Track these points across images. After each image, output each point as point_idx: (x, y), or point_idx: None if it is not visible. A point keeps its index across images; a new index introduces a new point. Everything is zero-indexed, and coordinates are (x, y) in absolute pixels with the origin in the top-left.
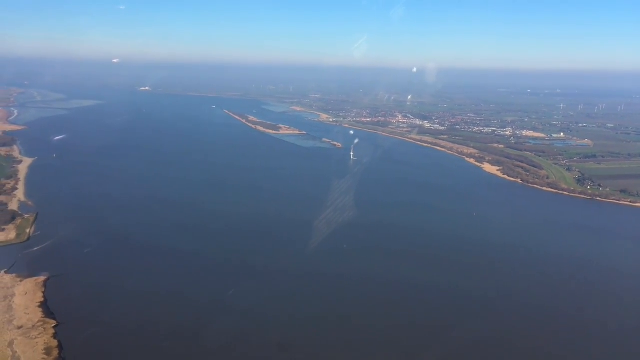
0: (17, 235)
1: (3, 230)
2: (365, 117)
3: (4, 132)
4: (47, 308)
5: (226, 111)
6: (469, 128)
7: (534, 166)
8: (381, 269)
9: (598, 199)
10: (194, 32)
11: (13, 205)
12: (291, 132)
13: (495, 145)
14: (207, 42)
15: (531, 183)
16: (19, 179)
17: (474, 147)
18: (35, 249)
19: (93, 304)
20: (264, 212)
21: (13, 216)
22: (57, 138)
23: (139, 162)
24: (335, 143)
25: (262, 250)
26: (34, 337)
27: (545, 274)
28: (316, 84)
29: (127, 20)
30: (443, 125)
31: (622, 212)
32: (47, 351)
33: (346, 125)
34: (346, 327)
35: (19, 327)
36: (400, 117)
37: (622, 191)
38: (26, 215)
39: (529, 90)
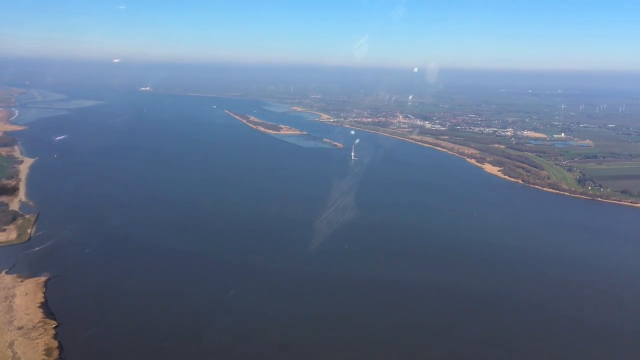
0: (18, 236)
1: (4, 230)
2: (366, 117)
3: (5, 132)
4: (47, 308)
5: (227, 111)
6: (470, 128)
7: (534, 167)
8: (382, 269)
9: (599, 199)
10: (194, 32)
11: (14, 206)
12: (292, 132)
13: (496, 145)
14: (207, 42)
15: (532, 183)
16: (20, 179)
17: (474, 148)
18: (36, 249)
19: (93, 305)
20: (264, 213)
21: (14, 216)
22: (58, 138)
23: (139, 162)
24: (336, 143)
25: (263, 250)
26: (34, 337)
27: (546, 275)
28: (317, 84)
29: (128, 21)
30: (444, 126)
31: (623, 212)
32: (48, 352)
33: (347, 126)
34: (346, 327)
35: (20, 328)
36: (401, 117)
37: (623, 192)
38: (27, 216)
39: (529, 91)
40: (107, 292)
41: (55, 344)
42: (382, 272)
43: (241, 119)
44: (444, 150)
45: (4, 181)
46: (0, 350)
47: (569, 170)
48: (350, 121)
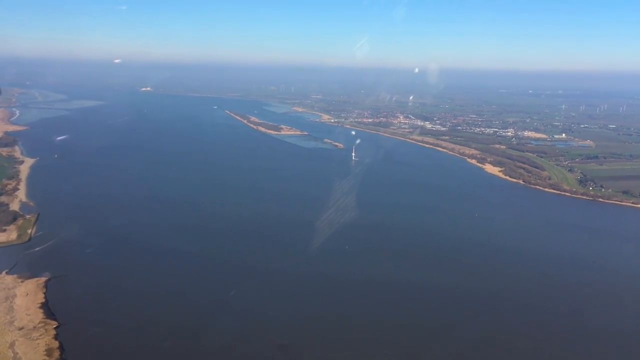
0: (19, 236)
1: (4, 230)
2: (366, 117)
3: (6, 133)
4: (48, 309)
5: (227, 112)
6: (471, 129)
7: (535, 167)
8: (383, 269)
9: (600, 200)
10: (195, 32)
11: (14, 206)
12: (293, 132)
13: (497, 146)
14: (208, 42)
15: (533, 184)
16: (21, 179)
17: (475, 148)
18: (37, 249)
19: (94, 305)
20: (265, 213)
21: (14, 217)
22: (58, 138)
23: (140, 163)
24: (336, 144)
25: (264, 250)
26: (35, 338)
27: (547, 275)
28: (318, 85)
29: (128, 21)
30: (444, 126)
31: (624, 213)
32: (48, 352)
33: (348, 126)
34: (347, 328)
35: (20, 328)
36: (401, 117)
37: (624, 192)
38: (27, 216)
39: (530, 91)
40: (107, 292)
41: (56, 344)
42: (383, 273)
43: (242, 119)
44: (445, 150)
45: (5, 181)
46: (1, 350)
47: (570, 170)
48: (351, 121)
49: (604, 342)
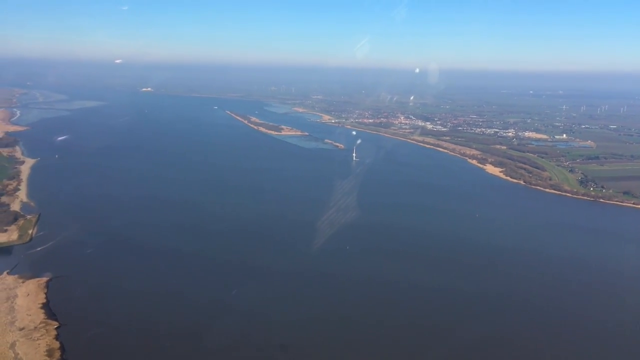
0: (20, 236)
1: (5, 231)
2: (367, 118)
3: (7, 133)
4: (49, 309)
5: (228, 112)
6: (471, 129)
7: (536, 167)
8: (383, 270)
9: (601, 200)
10: (196, 32)
11: (15, 206)
12: (293, 133)
13: (498, 146)
14: (209, 42)
15: (534, 184)
16: (22, 179)
17: (476, 149)
18: (38, 249)
19: (95, 305)
20: (266, 213)
21: (15, 217)
22: (59, 139)
23: (141, 163)
24: (337, 144)
25: (264, 251)
26: (36, 338)
27: (548, 276)
28: (318, 85)
29: (130, 21)
30: (445, 127)
31: (625, 213)
32: (49, 353)
33: (348, 127)
34: (348, 328)
35: (21, 329)
36: (402, 118)
37: (625, 193)
38: (28, 216)
39: (531, 92)
40: (108, 292)
41: (56, 344)
42: (384, 273)
43: (242, 120)
44: (446, 151)
45: (6, 181)
46: (2, 351)
47: (571, 171)
48: (352, 122)
49: (605, 342)
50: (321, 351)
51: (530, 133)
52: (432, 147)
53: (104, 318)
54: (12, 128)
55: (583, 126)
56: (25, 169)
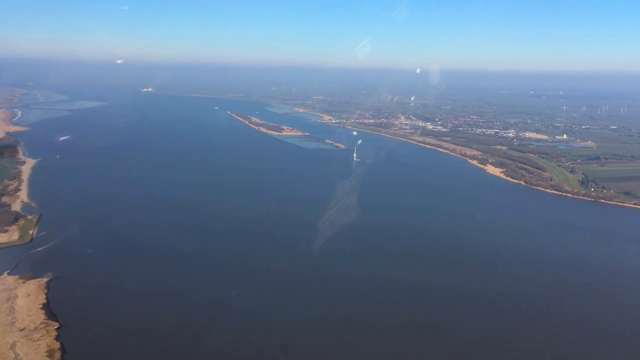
0: (20, 237)
1: (6, 231)
2: (368, 118)
3: (8, 133)
4: (49, 310)
5: (229, 112)
6: (472, 130)
7: (537, 168)
8: (384, 270)
9: (602, 201)
10: (196, 33)
11: (16, 206)
12: (294, 133)
13: (498, 147)
14: (209, 43)
15: (534, 185)
16: (22, 180)
17: (476, 149)
18: (38, 250)
19: (96, 306)
20: (266, 214)
21: (16, 217)
22: (60, 139)
23: (141, 163)
24: (338, 144)
25: (265, 251)
26: (36, 339)
27: (549, 276)
28: (319, 86)
29: (130, 21)
30: (446, 127)
31: (627, 214)
32: (50, 353)
33: (349, 127)
34: (348, 328)
35: (22, 329)
36: (403, 118)
37: (626, 193)
38: (29, 217)
39: (531, 92)
40: (109, 293)
41: (57, 345)
42: (384, 273)
43: (243, 120)
44: (446, 151)
45: (7, 182)
46: (2, 351)
47: (572, 171)
48: (352, 122)
49: (606, 343)
50: (321, 351)
51: (531, 133)
52: (432, 147)
53: (104, 318)
54: (13, 128)
55: (583, 126)
56: (26, 169)
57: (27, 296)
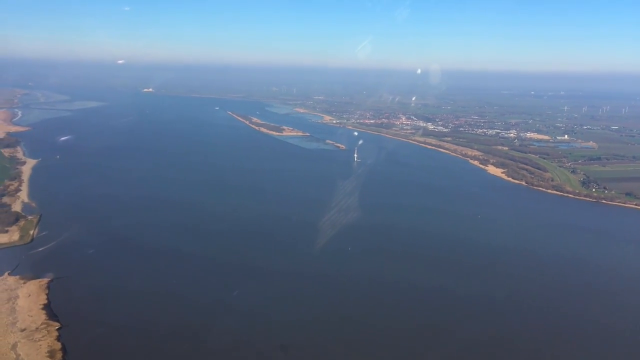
0: (21, 237)
1: (6, 231)
2: (368, 118)
3: (8, 133)
4: (50, 310)
5: (229, 112)
6: (473, 130)
7: (538, 168)
8: (385, 270)
9: (603, 201)
10: (197, 33)
11: (16, 207)
12: (295, 133)
13: (499, 147)
14: (210, 43)
15: (536, 185)
16: (23, 180)
17: (477, 149)
18: (39, 250)
19: (97, 306)
20: (267, 214)
21: (16, 217)
22: (60, 139)
23: (142, 164)
24: (338, 145)
25: (266, 251)
26: (37, 339)
27: (550, 277)
28: (320, 86)
29: (131, 22)
30: (447, 127)
31: (628, 215)
32: (51, 354)
33: (350, 127)
34: (349, 328)
35: (22, 330)
36: (403, 118)
37: (627, 194)
38: (30, 217)
39: (532, 92)
40: (110, 293)
41: (58, 345)
42: (385, 274)
43: (244, 120)
44: (447, 152)
45: (7, 182)
46: (4, 352)
47: (573, 172)
48: (353, 122)
49: (607, 344)
50: (322, 352)
51: (532, 134)
52: (433, 148)
53: (105, 319)
54: (13, 128)
55: (585, 127)
56: (26, 170)
57: (28, 296)
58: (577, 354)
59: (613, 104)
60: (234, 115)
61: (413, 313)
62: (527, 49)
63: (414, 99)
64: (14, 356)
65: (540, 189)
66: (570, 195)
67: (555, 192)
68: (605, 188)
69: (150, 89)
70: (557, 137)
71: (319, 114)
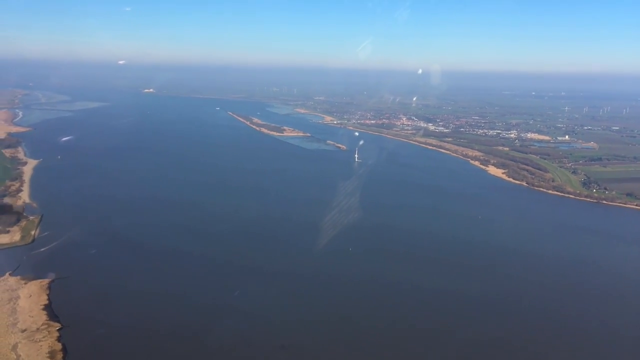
0: (22, 237)
1: (8, 232)
2: (369, 119)
3: (9, 134)
4: (51, 311)
5: (230, 113)
6: (474, 130)
7: (539, 169)
8: (385, 271)
9: (604, 202)
10: (198, 33)
11: (18, 207)
12: (295, 134)
13: (500, 147)
14: (211, 43)
15: (536, 186)
16: (24, 180)
17: (478, 150)
18: (40, 250)
19: (98, 307)
20: (268, 214)
21: (18, 218)
22: (62, 140)
23: (143, 164)
24: (339, 145)
25: (267, 252)
26: (38, 340)
27: (551, 278)
28: (320, 86)
29: (132, 22)
30: (447, 128)
31: (629, 215)
32: (51, 355)
33: (350, 128)
34: (350, 329)
35: (23, 330)
36: (404, 119)
37: (628, 194)
38: (31, 217)
39: (533, 93)
40: (111, 294)
41: (59, 346)
42: (386, 274)
43: (244, 121)
44: (448, 152)
45: (8, 182)
46: (4, 352)
47: (574, 172)
48: (354, 123)
49: (609, 345)
50: (322, 352)
51: (533, 134)
52: (434, 148)
53: (106, 319)
54: (14, 129)
55: (585, 127)
56: (27, 170)
57: (29, 297)
58: (578, 355)
59: (614, 104)
60: (235, 116)
61: (414, 314)
62: (528, 49)
63: (414, 99)
64: (15, 357)
65: (541, 189)
66: (571, 196)
67: (556, 192)
68: (606, 189)
69: (151, 90)
70: (558, 138)
71: (319, 114)
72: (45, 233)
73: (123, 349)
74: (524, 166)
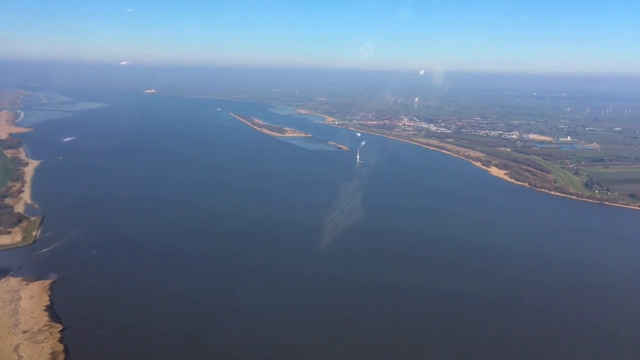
0: (23, 238)
1: (9, 233)
2: (371, 120)
3: (10, 134)
4: (53, 312)
5: (231, 114)
6: (475, 131)
7: (541, 170)
8: (387, 272)
9: (606, 203)
10: (199, 34)
11: (19, 208)
12: (297, 134)
13: (502, 148)
14: (212, 44)
15: (539, 187)
16: (25, 181)
17: (480, 151)
18: (42, 251)
19: (99, 308)
20: (269, 216)
21: (19, 219)
22: (63, 140)
23: (144, 165)
24: (341, 146)
25: (268, 252)
26: (39, 341)
27: (553, 279)
28: (322, 87)
29: (133, 23)
30: (449, 129)
31: (631, 216)
32: (53, 356)
33: (352, 128)
34: (350, 330)
35: (25, 331)
36: (406, 120)
37: (631, 195)
38: (32, 218)
39: (534, 94)
40: (113, 294)
41: (60, 347)
42: (387, 275)
43: (246, 122)
44: (450, 153)
45: (10, 183)
46: (6, 354)
47: (576, 173)
48: (355, 124)
49: (610, 346)
50: (323, 352)
51: (535, 135)
52: (436, 149)
53: (108, 320)
54: (16, 129)
55: (587, 128)
56: (29, 171)
57: (31, 298)
58: (578, 356)
59: (615, 105)
60: (236, 116)
61: (415, 314)
62: (529, 50)
63: (416, 100)
64: (17, 358)
65: (543, 190)
66: (573, 197)
67: (558, 193)
68: (608, 189)
69: (153, 90)
70: (560, 139)
71: (321, 115)
72: (47, 234)
73: (125, 350)
74: (526, 167)
